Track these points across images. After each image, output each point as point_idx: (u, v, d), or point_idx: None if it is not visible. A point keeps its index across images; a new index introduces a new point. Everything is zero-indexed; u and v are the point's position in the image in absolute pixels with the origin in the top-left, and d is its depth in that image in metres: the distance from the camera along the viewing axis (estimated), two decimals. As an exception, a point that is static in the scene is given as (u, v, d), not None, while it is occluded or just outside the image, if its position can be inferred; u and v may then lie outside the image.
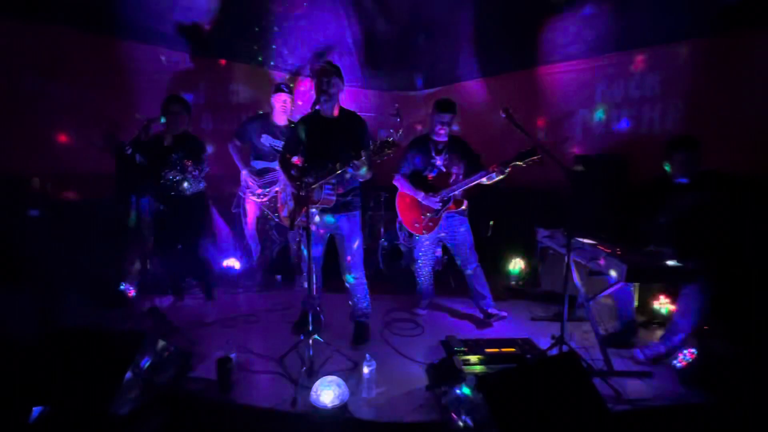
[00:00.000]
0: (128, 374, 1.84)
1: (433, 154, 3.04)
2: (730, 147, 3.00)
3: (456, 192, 2.94)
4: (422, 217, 3.05)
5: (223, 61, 4.40)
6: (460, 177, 2.98)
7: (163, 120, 2.88)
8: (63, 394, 1.81)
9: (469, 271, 3.12)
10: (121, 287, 3.22)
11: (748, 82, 3.07)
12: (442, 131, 2.95)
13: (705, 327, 2.53)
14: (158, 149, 2.89)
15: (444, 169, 3.03)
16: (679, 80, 3.45)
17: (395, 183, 3.15)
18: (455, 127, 3.42)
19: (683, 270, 2.27)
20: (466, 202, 3.04)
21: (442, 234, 3.12)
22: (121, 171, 3.12)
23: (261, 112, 3.71)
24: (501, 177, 2.73)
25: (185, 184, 2.89)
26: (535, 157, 2.57)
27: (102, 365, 1.86)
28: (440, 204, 2.96)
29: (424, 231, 3.07)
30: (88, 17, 3.45)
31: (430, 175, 3.06)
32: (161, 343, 2.11)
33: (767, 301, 2.41)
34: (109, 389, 1.78)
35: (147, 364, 1.96)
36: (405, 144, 3.19)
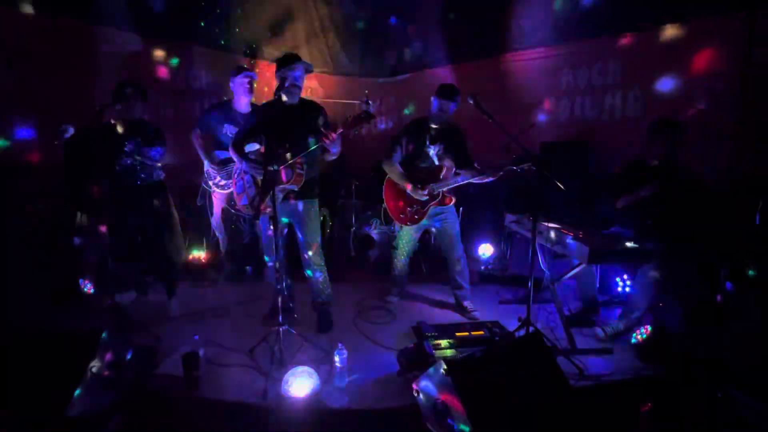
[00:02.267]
0: (87, 375, 1.75)
1: (428, 143, 2.94)
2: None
3: (444, 188, 2.90)
4: (408, 208, 2.99)
5: (183, 45, 4.19)
6: (451, 172, 2.90)
7: (118, 107, 2.71)
8: (16, 399, 1.71)
9: (452, 260, 3.09)
10: (79, 283, 3.06)
11: (705, 70, 3.22)
12: (444, 116, 2.87)
13: (660, 304, 2.68)
14: (112, 137, 2.73)
15: (437, 161, 2.95)
16: (639, 68, 3.57)
17: (384, 167, 3.05)
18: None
19: (641, 250, 2.38)
20: (453, 199, 2.99)
21: (428, 224, 3.07)
22: (70, 163, 2.93)
23: (225, 99, 3.55)
24: (491, 179, 2.73)
25: (142, 173, 2.75)
26: (529, 164, 2.46)
27: (58, 366, 1.77)
28: (427, 198, 2.92)
29: (408, 222, 3.01)
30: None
31: (422, 165, 2.97)
32: (122, 341, 2.02)
33: (716, 280, 2.56)
34: (66, 391, 1.70)
35: (107, 363, 1.88)
36: (373, 129, 3.16)
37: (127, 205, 2.79)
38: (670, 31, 3.37)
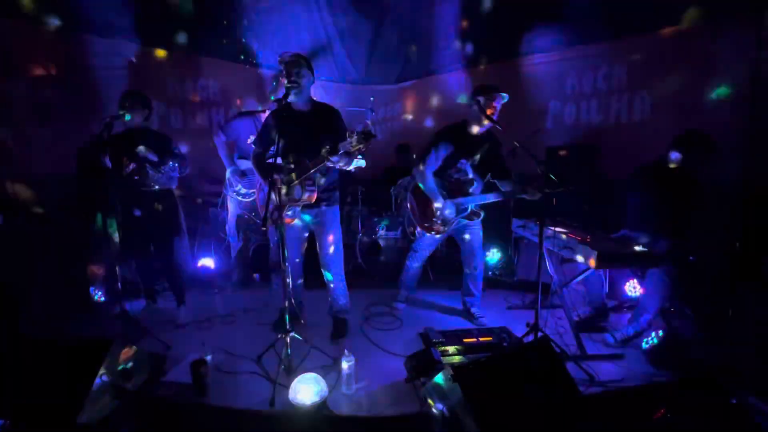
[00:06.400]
0: (97, 382, 1.77)
1: (465, 153, 2.78)
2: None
3: (473, 204, 2.83)
4: (434, 218, 2.87)
5: (191, 56, 4.27)
6: (481, 186, 2.79)
7: (128, 117, 2.78)
8: (27, 407, 1.73)
9: (470, 269, 3.04)
10: (90, 292, 3.11)
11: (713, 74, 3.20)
12: (487, 124, 2.68)
13: (671, 309, 2.64)
14: (121, 146, 2.79)
15: (470, 174, 2.82)
16: (645, 72, 3.55)
17: (415, 175, 2.86)
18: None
19: (650, 254, 2.35)
20: (482, 214, 2.90)
21: (452, 232, 3.00)
22: (83, 172, 2.99)
23: (250, 110, 3.57)
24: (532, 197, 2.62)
25: (152, 181, 2.81)
26: (561, 189, 2.30)
27: (69, 374, 1.79)
28: (455, 213, 2.85)
29: (432, 232, 2.91)
30: (44, 10, 3.29)
31: (455, 175, 2.83)
32: (131, 349, 2.05)
33: (727, 284, 2.52)
34: (76, 399, 1.72)
35: (116, 371, 1.90)
36: (378, 136, 3.13)
37: (140, 213, 2.84)
38: (677, 35, 3.36)
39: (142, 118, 2.82)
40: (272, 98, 3.40)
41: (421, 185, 2.87)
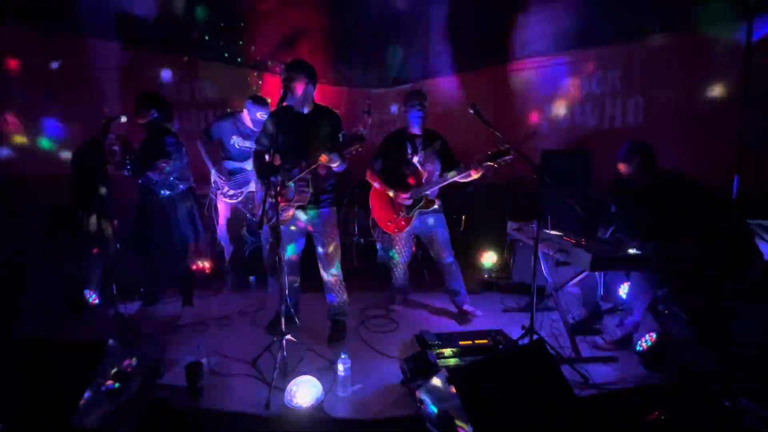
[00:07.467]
0: (91, 385, 1.76)
1: (410, 151, 3.00)
2: (684, 142, 3.16)
3: (427, 192, 2.94)
4: (395, 215, 3.03)
5: (187, 58, 4.27)
6: (434, 176, 2.97)
7: (123, 119, 2.78)
8: (21, 409, 1.71)
9: (444, 267, 3.11)
10: (85, 294, 3.09)
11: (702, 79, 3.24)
12: (417, 122, 2.94)
13: (665, 311, 2.66)
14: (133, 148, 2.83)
15: (419, 167, 2.99)
16: (639, 76, 3.59)
17: (368, 179, 3.11)
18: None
19: (643, 257, 2.37)
20: (438, 202, 3.03)
21: (417, 230, 3.11)
22: (79, 173, 2.98)
23: (236, 111, 3.58)
24: (475, 177, 2.75)
25: (162, 188, 2.83)
26: (508, 157, 2.57)
27: (63, 377, 1.78)
28: (411, 202, 2.96)
29: (396, 230, 3.05)
30: (42, 13, 3.28)
31: (406, 172, 3.01)
32: (126, 351, 2.03)
33: (719, 286, 2.55)
34: (70, 402, 1.71)
35: (111, 374, 1.89)
36: (376, 138, 3.18)
37: (150, 218, 2.85)
38: (669, 40, 3.40)
39: (149, 117, 2.84)
40: (253, 96, 3.41)
41: (374, 184, 3.09)
